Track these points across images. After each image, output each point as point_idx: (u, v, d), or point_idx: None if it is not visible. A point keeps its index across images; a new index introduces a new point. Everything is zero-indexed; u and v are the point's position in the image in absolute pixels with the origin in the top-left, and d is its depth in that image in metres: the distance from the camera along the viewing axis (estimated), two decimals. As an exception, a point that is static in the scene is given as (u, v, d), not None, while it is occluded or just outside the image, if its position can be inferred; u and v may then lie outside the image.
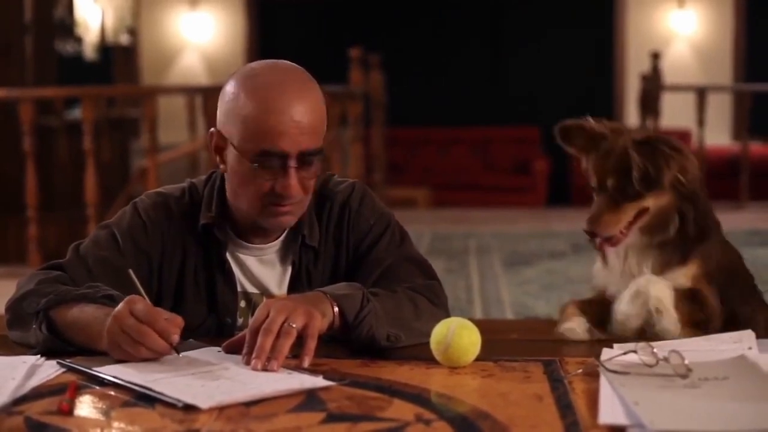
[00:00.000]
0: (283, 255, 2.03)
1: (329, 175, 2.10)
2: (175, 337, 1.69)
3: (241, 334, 1.74)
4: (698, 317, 1.88)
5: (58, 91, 7.56)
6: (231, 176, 1.93)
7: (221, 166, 1.95)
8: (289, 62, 1.95)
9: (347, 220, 2.02)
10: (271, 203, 1.89)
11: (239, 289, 2.03)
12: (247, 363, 1.66)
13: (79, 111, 7.19)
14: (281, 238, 2.02)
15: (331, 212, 2.03)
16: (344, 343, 1.81)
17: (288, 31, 11.60)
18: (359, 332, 1.78)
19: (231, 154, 1.90)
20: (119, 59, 10.98)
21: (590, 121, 1.96)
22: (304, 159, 1.87)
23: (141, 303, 1.71)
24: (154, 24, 11.55)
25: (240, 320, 2.02)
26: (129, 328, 1.68)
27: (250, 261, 2.02)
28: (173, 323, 1.70)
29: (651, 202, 1.89)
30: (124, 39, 10.57)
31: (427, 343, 1.80)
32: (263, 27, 11.68)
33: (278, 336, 1.67)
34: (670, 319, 1.86)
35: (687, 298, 1.89)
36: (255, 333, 1.68)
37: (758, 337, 1.83)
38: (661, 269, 1.91)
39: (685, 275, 1.90)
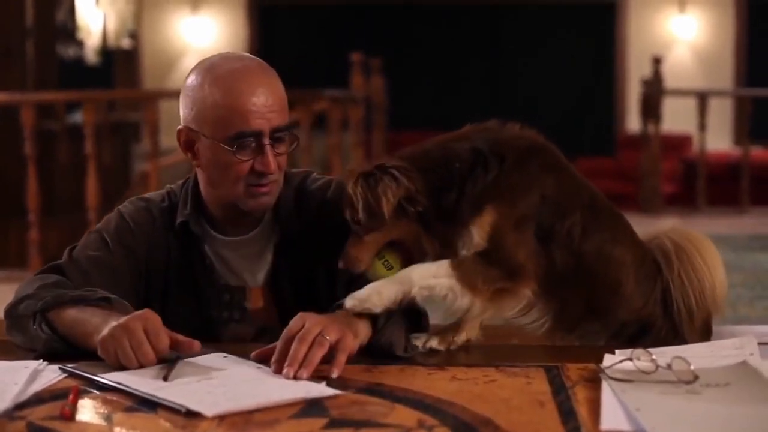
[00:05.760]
0: (262, 247, 2.07)
1: (308, 173, 2.15)
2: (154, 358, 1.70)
3: (272, 345, 1.74)
4: (495, 273, 1.79)
5: (59, 95, 7.56)
6: (207, 167, 1.99)
7: (193, 162, 2.02)
8: (240, 52, 2.04)
9: (325, 214, 2.04)
10: (251, 184, 1.96)
11: (221, 282, 2.06)
12: (276, 371, 1.67)
13: (81, 115, 7.19)
14: (257, 230, 2.06)
15: (309, 206, 2.08)
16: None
17: (289, 36, 11.60)
18: (378, 339, 1.80)
19: (204, 145, 1.97)
20: (121, 63, 10.99)
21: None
22: (277, 136, 1.95)
23: (154, 320, 1.73)
24: (156, 28, 11.56)
25: (225, 314, 2.06)
26: (134, 339, 1.70)
27: (229, 255, 2.07)
28: (187, 345, 1.74)
29: (396, 231, 1.84)
30: (126, 43, 10.57)
31: (431, 350, 1.82)
32: (264, 31, 11.69)
33: (311, 346, 1.68)
34: (451, 295, 1.78)
35: (479, 260, 1.79)
36: (288, 342, 1.69)
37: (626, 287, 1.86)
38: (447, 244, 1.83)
39: (478, 232, 1.79)
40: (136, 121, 9.76)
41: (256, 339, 2.03)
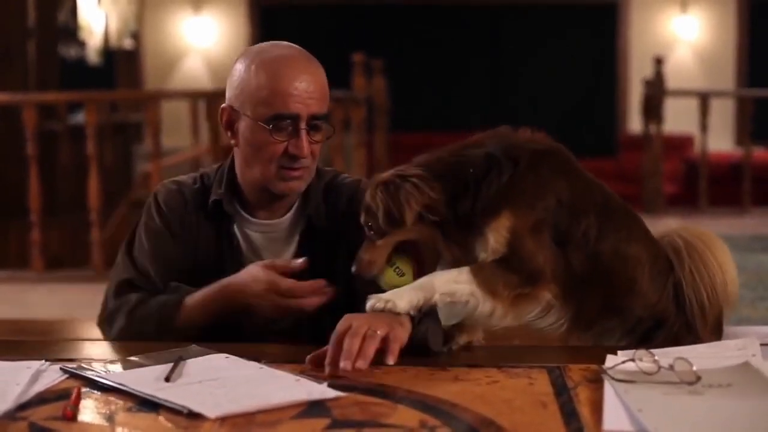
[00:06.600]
0: (290, 233, 2.13)
1: (339, 172, 2.23)
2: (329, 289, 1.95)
3: (324, 348, 1.75)
4: (514, 279, 1.81)
5: (61, 95, 7.56)
6: (244, 146, 2.07)
7: (232, 141, 2.09)
8: (290, 42, 2.13)
9: (351, 209, 2.08)
10: (283, 167, 2.04)
11: (246, 263, 2.09)
12: (331, 373, 1.68)
13: (82, 115, 7.19)
14: (288, 215, 2.13)
15: (337, 200, 2.14)
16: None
17: (291, 36, 11.36)
18: (415, 334, 1.81)
19: (243, 124, 2.05)
20: (122, 63, 10.99)
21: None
22: (314, 123, 2.04)
23: (271, 265, 1.97)
24: (158, 28, 11.55)
25: None
26: (277, 288, 1.94)
27: (257, 237, 2.13)
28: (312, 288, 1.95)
29: (410, 234, 1.87)
30: (128, 43, 10.59)
31: (430, 352, 1.82)
32: (266, 32, 11.67)
33: (364, 340, 1.71)
34: (473, 301, 1.80)
35: (498, 266, 1.81)
36: (338, 343, 1.72)
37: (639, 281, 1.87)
38: (465, 250, 1.86)
39: (495, 237, 1.82)
40: (138, 121, 9.77)
41: (267, 323, 2.04)
